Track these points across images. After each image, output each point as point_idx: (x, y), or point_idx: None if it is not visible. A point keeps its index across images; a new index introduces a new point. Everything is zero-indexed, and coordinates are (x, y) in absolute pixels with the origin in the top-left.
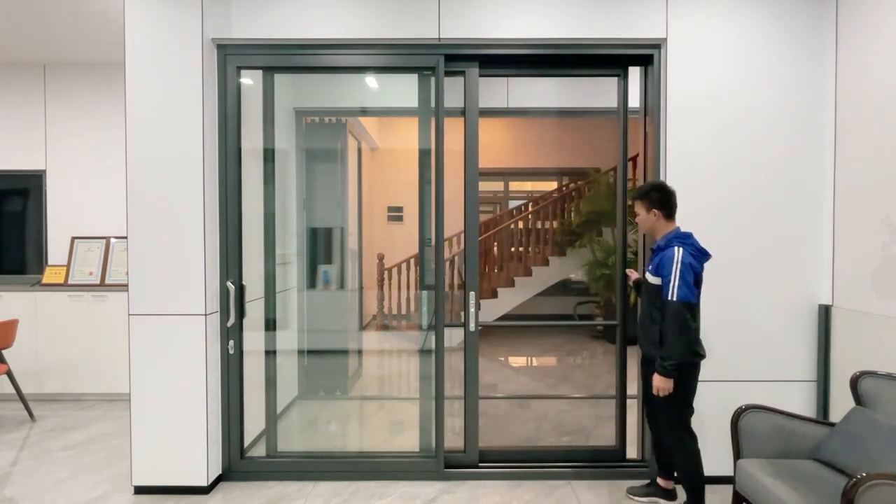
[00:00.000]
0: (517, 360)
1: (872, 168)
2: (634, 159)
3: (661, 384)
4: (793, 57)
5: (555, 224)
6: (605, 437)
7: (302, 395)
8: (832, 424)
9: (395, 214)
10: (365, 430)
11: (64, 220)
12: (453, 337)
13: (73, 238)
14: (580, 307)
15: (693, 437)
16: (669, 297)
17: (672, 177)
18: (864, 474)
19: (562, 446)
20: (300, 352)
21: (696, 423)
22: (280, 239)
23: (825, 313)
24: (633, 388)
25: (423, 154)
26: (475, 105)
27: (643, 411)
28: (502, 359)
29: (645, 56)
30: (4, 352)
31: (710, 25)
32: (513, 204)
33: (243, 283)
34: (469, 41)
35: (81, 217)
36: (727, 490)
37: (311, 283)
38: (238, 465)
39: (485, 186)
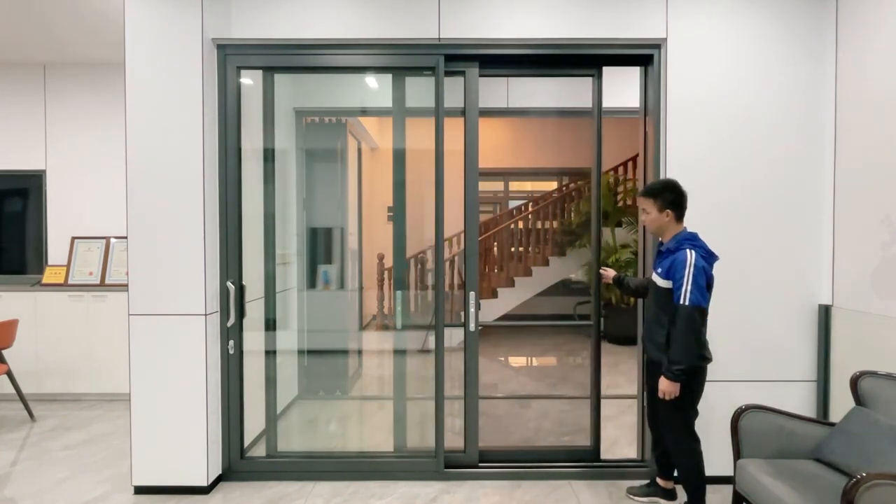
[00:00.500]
0: (517, 360)
1: (872, 168)
2: (634, 159)
3: (668, 388)
4: (793, 57)
5: (555, 224)
6: (604, 437)
7: (302, 395)
8: (832, 424)
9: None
10: (365, 430)
11: (64, 220)
12: (453, 337)
13: (73, 238)
14: (580, 307)
15: (696, 440)
16: (682, 301)
17: (672, 177)
18: (864, 474)
19: (534, 447)
20: (300, 352)
21: (697, 423)
22: (280, 239)
23: (825, 313)
24: (630, 388)
25: (398, 154)
26: (475, 105)
27: (645, 413)
28: (502, 359)
29: (645, 56)
30: (4, 352)
31: (710, 25)
32: (513, 204)
33: (243, 283)
34: (469, 41)
35: (81, 217)
36: (727, 490)
37: (311, 283)
38: (238, 465)
39: (485, 186)
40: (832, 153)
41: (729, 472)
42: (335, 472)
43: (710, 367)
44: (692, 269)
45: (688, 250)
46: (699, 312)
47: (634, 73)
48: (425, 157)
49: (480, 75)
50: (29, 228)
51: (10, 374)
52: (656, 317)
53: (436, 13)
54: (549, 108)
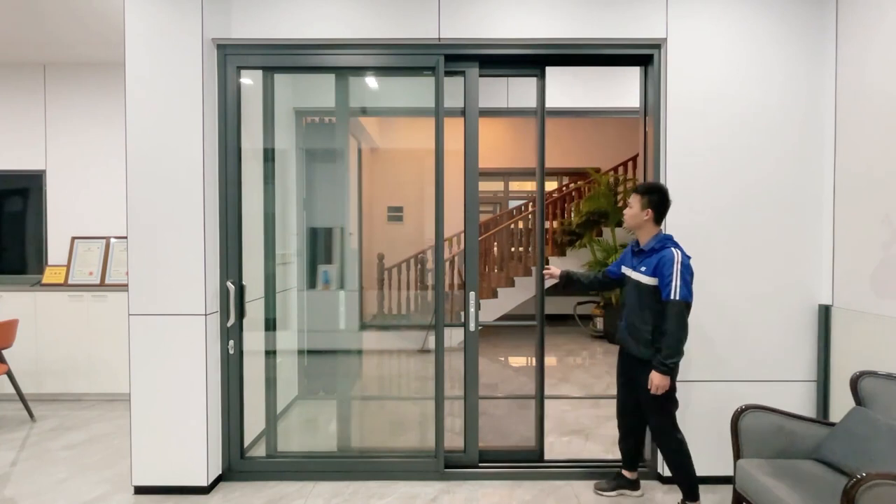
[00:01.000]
0: (517, 360)
1: (872, 168)
2: (634, 159)
3: (661, 381)
4: (793, 57)
5: (555, 224)
6: (604, 437)
7: (302, 395)
8: (832, 424)
9: (395, 214)
10: (365, 430)
11: (64, 220)
12: (453, 337)
13: (73, 238)
14: (580, 307)
15: (681, 433)
16: (673, 297)
17: (672, 177)
18: (864, 474)
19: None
20: (300, 352)
21: (697, 422)
22: (280, 239)
23: (825, 313)
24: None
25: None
26: (475, 105)
27: (620, 410)
28: (502, 359)
29: (645, 56)
30: (4, 352)
31: (709, 26)
32: (513, 204)
33: (243, 283)
34: (469, 41)
35: (81, 217)
36: (727, 490)
37: (311, 283)
38: (238, 465)
39: (485, 186)
40: (832, 153)
41: (728, 472)
42: (335, 472)
43: (710, 366)
44: (679, 266)
45: (673, 249)
46: (687, 307)
47: (635, 73)
48: (425, 157)
49: (480, 75)
50: (29, 228)
51: (10, 374)
52: (640, 314)
53: (436, 13)
54: (549, 108)
